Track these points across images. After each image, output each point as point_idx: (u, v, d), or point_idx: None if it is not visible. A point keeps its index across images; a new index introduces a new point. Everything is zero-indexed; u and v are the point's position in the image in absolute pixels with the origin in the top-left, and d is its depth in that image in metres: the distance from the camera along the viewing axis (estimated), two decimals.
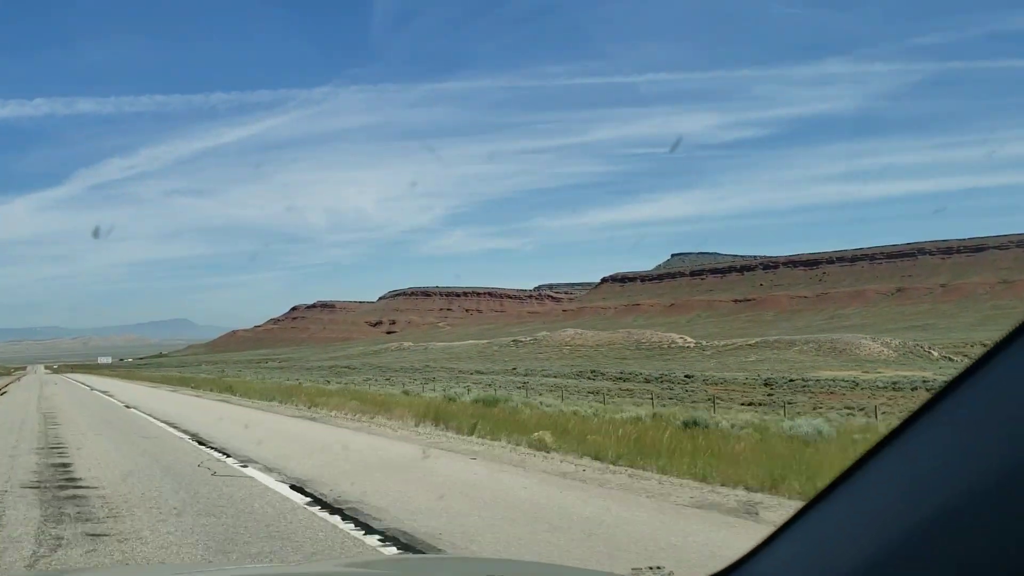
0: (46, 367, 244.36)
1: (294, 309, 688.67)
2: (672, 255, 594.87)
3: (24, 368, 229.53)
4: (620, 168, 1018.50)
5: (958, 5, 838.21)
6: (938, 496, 0.98)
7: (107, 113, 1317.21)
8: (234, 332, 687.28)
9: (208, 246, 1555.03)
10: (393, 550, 5.71)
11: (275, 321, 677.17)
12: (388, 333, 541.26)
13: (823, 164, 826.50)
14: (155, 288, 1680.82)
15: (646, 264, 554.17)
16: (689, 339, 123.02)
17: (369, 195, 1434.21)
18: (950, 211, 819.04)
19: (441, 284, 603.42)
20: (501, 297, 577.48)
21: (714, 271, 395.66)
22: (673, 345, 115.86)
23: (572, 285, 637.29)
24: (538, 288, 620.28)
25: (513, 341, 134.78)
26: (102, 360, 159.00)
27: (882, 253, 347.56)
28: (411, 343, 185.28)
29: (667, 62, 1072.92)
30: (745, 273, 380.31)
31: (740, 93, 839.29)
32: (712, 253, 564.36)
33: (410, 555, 5.42)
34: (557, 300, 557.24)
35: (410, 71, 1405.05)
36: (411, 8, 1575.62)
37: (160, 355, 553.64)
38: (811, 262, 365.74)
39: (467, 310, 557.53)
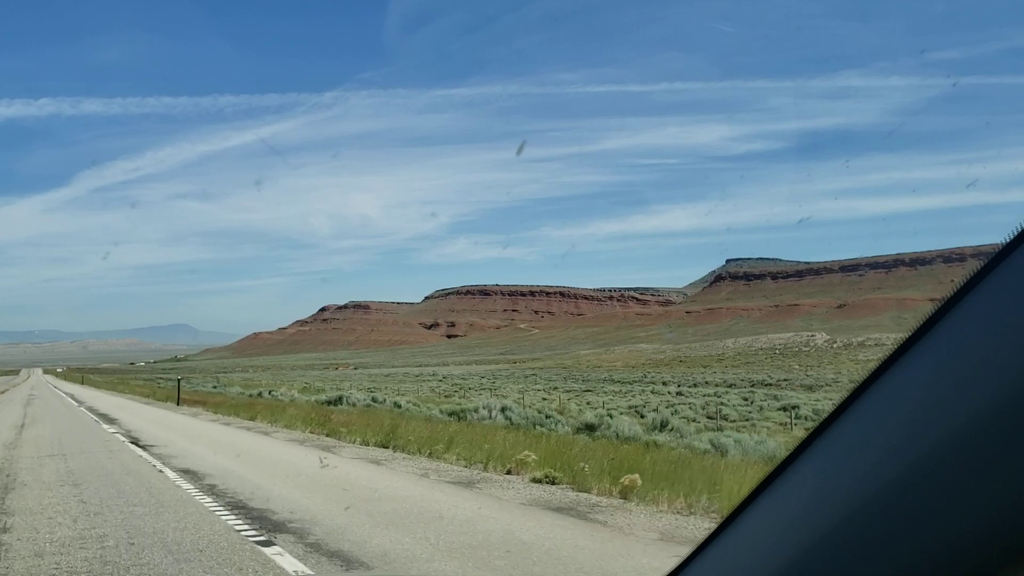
0: (44, 371, 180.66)
1: (323, 310, 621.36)
2: (727, 260, 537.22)
3: (17, 372, 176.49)
4: (628, 178, 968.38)
5: (977, 20, 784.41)
6: (847, 503, 0.95)
7: (113, 114, 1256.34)
8: (256, 335, 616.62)
9: (210, 251, 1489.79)
10: None
11: (302, 323, 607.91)
12: (449, 337, 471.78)
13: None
14: (155, 292, 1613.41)
15: (692, 273, 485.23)
16: None
17: (375, 201, 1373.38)
18: None
19: (501, 283, 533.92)
20: (576, 298, 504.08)
21: (874, 265, 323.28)
22: None
23: (638, 289, 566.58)
24: (601, 289, 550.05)
25: None
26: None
27: None
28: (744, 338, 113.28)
29: (681, 72, 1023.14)
30: (918, 268, 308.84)
31: (755, 104, 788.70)
32: (772, 259, 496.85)
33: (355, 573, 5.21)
34: (643, 302, 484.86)
35: (421, 76, 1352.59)
36: (424, 13, 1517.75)
37: (175, 359, 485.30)
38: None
39: (536, 311, 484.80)
